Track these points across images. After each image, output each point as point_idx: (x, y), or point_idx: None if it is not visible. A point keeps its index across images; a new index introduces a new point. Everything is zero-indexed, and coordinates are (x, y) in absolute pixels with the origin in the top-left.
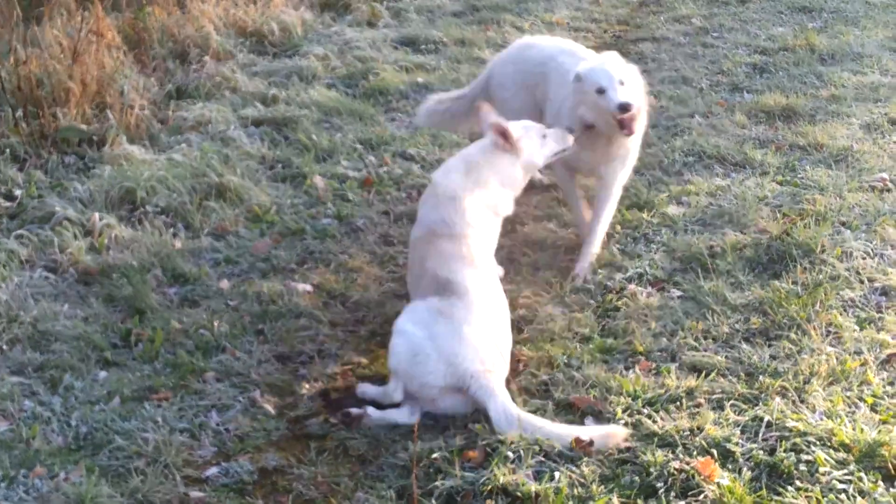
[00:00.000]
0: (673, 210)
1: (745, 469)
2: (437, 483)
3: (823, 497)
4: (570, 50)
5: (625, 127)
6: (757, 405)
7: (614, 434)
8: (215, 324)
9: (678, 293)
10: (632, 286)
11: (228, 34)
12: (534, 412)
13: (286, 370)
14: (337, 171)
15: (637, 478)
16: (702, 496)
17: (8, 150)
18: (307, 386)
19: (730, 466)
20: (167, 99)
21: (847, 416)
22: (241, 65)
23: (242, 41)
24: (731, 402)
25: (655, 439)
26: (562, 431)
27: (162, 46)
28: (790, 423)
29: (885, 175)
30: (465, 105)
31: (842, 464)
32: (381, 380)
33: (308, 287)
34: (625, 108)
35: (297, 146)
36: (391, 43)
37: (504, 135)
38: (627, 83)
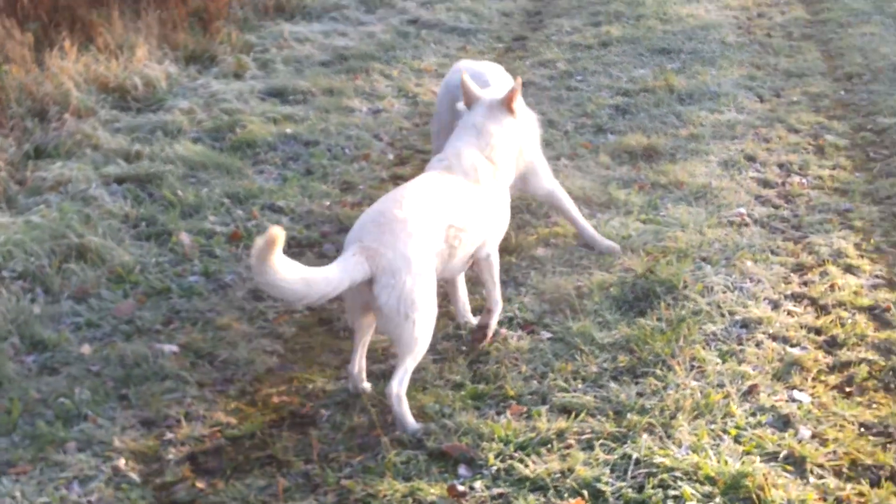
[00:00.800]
0: (541, 252)
1: None
2: None
3: None
4: (479, 73)
5: None
6: (625, 443)
7: None
8: (76, 391)
9: (548, 335)
10: (503, 330)
11: (90, 90)
12: (406, 463)
13: (151, 435)
14: (204, 227)
15: None
16: None
17: None
18: (174, 451)
19: None
20: (25, 159)
21: (712, 448)
22: (102, 121)
23: (104, 97)
24: (601, 441)
25: (527, 483)
26: None
27: (20, 105)
28: (657, 459)
29: (742, 210)
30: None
31: (708, 497)
32: (249, 438)
33: (174, 348)
34: None
35: (162, 203)
36: (258, 94)
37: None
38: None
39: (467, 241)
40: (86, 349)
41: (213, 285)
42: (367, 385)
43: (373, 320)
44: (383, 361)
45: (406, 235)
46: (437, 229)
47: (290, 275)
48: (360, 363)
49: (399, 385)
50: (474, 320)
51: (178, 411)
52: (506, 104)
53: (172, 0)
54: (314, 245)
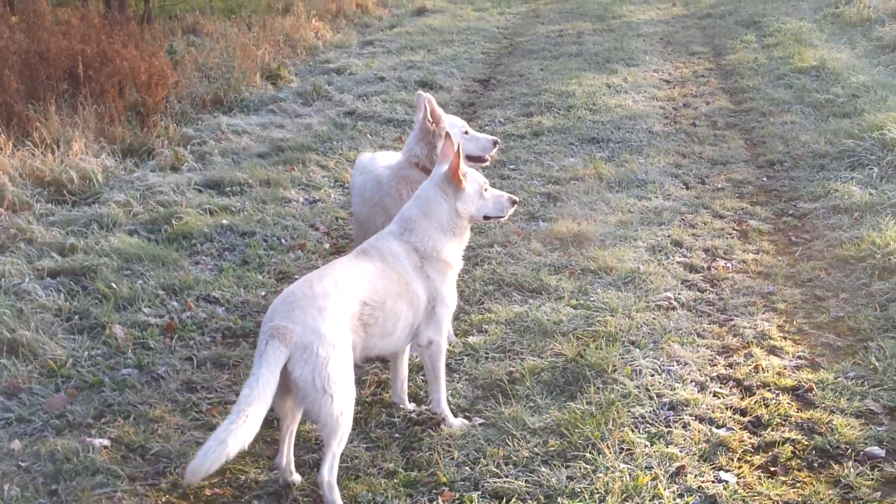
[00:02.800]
0: (474, 339)
1: None
2: None
3: None
4: (365, 168)
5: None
6: None
7: None
8: (5, 488)
9: (480, 420)
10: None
11: (25, 185)
12: None
13: None
14: (138, 319)
15: None
16: None
17: None
18: None
19: None
20: None
21: None
22: (37, 215)
23: (40, 191)
24: None
25: None
26: None
27: None
28: None
29: (669, 294)
30: None
31: None
32: None
33: (105, 442)
34: (496, 143)
35: (97, 296)
36: (195, 186)
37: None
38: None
39: (384, 320)
40: (16, 445)
41: (147, 377)
42: (296, 477)
43: (295, 405)
44: (314, 451)
45: (316, 311)
46: (348, 305)
47: (239, 438)
48: (287, 455)
49: (329, 472)
50: (410, 406)
51: None
52: (451, 177)
53: (110, 94)
54: (249, 335)
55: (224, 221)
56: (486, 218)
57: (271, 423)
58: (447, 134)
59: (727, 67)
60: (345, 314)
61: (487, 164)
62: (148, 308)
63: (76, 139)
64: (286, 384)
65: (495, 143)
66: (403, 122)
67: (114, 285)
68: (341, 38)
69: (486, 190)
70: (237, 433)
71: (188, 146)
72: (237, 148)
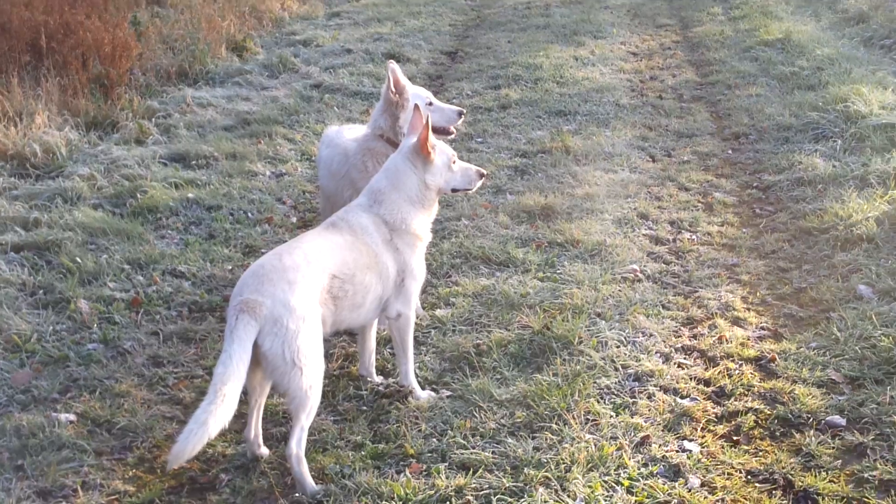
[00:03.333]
0: (441, 312)
1: None
2: None
3: None
4: (332, 141)
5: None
6: (522, 497)
7: None
8: None
9: (448, 393)
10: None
11: None
12: None
13: None
14: (103, 294)
15: None
16: None
17: None
18: None
19: None
20: None
21: (606, 500)
22: (0, 189)
23: (2, 165)
24: (498, 496)
25: None
26: None
27: None
28: None
29: (635, 266)
30: None
31: None
32: None
33: (71, 416)
34: (461, 113)
35: (61, 270)
36: (160, 160)
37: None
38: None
39: (353, 293)
40: None
41: (112, 352)
42: (264, 450)
43: (264, 378)
44: (282, 424)
45: (286, 283)
46: (318, 278)
47: (219, 418)
48: (255, 428)
49: (297, 445)
50: (377, 379)
51: (75, 481)
52: (420, 149)
53: (73, 66)
54: (216, 309)
55: (190, 195)
56: (454, 190)
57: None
58: (416, 106)
59: (694, 40)
60: (315, 287)
61: (453, 136)
62: (113, 282)
63: (39, 112)
64: (256, 357)
65: (461, 113)
66: (371, 94)
67: (78, 259)
68: (308, 9)
69: (454, 162)
70: (217, 413)
71: (153, 119)
72: (203, 121)
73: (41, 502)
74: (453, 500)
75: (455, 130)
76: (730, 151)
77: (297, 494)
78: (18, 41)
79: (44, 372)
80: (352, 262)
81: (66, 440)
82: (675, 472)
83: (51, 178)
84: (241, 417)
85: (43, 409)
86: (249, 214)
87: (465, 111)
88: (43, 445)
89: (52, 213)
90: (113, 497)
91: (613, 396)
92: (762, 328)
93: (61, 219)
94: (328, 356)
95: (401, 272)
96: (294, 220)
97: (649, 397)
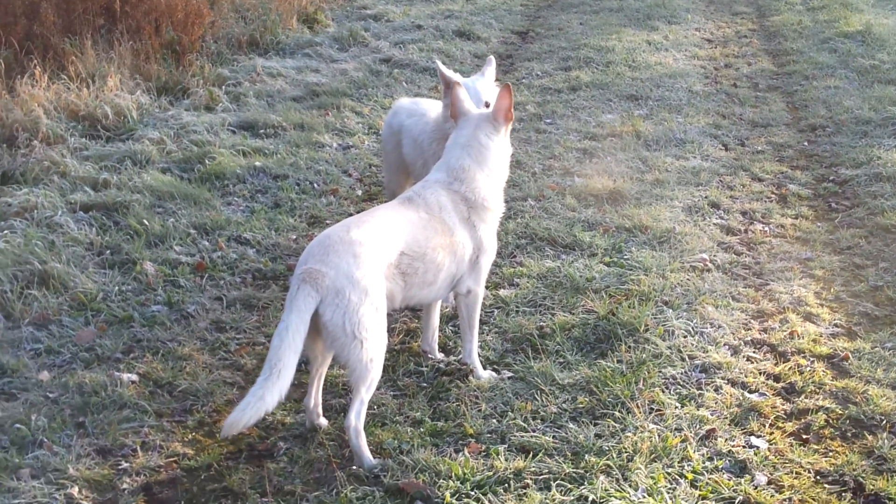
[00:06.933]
0: (504, 292)
1: None
2: None
3: None
4: (416, 111)
5: None
6: (582, 484)
7: None
8: (33, 417)
9: (509, 374)
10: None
11: (59, 118)
12: (362, 499)
13: (106, 464)
14: (169, 257)
15: None
16: None
17: None
18: (128, 480)
19: None
20: None
21: (668, 492)
22: (71, 149)
23: (74, 125)
24: (558, 481)
25: None
26: None
27: None
28: (614, 502)
29: (705, 255)
30: None
31: None
32: (206, 469)
33: (133, 377)
34: None
35: (128, 232)
36: (229, 127)
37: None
38: (492, 105)
39: (424, 271)
40: (44, 376)
41: (176, 315)
42: (323, 421)
43: (325, 349)
44: (343, 396)
45: (351, 256)
46: (386, 254)
47: (275, 392)
48: (315, 397)
49: (356, 418)
50: (439, 356)
51: (135, 441)
52: (496, 117)
53: (146, 31)
54: (279, 278)
55: (257, 163)
56: None
57: (298, 366)
58: (455, 83)
59: (771, 29)
60: (381, 262)
61: None
62: (179, 246)
63: (111, 75)
64: (317, 328)
65: None
66: None
67: (146, 222)
68: None
69: None
70: (273, 388)
71: (223, 87)
72: (272, 90)
73: (100, 460)
74: (512, 482)
75: None
76: (805, 143)
77: (354, 467)
78: (93, 4)
79: (108, 331)
80: (423, 240)
81: (127, 400)
82: (741, 468)
83: (121, 141)
84: (300, 387)
85: (106, 368)
86: (315, 185)
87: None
88: (105, 404)
89: (121, 175)
90: (171, 459)
91: (679, 387)
92: (835, 325)
93: (130, 181)
94: (390, 331)
95: (476, 249)
96: (359, 192)
97: (716, 390)
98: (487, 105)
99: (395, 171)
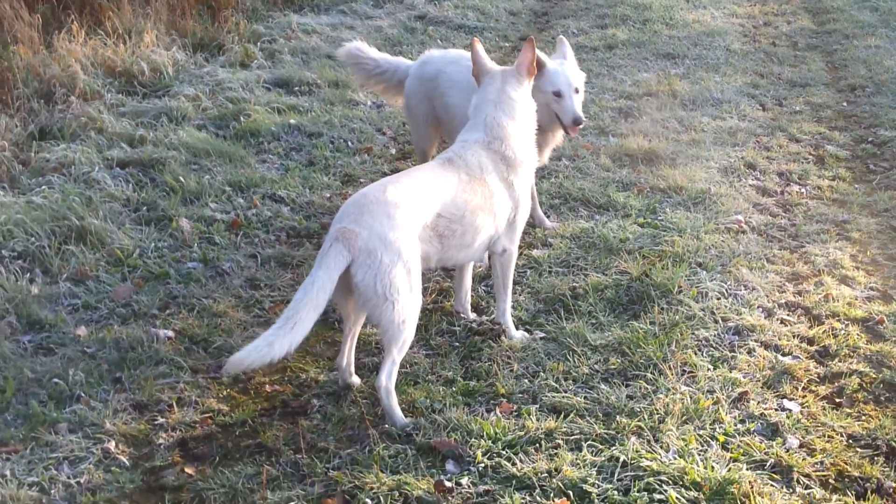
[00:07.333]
0: (538, 252)
1: None
2: None
3: None
4: (456, 58)
5: (568, 131)
6: (613, 445)
7: None
8: (70, 372)
9: (541, 334)
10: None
11: (96, 74)
12: (394, 457)
13: (143, 419)
14: (204, 214)
15: None
16: None
17: None
18: (164, 436)
19: None
20: (30, 140)
21: (699, 454)
22: (108, 105)
23: (111, 81)
24: (589, 442)
25: (514, 482)
26: None
27: (26, 86)
28: (644, 463)
29: (740, 217)
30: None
31: (693, 502)
32: (240, 425)
33: (169, 333)
34: (577, 122)
35: (164, 188)
36: (264, 84)
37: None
38: (581, 91)
39: (462, 233)
40: (82, 331)
41: (211, 272)
42: (355, 379)
43: (357, 308)
44: (376, 354)
45: (385, 217)
46: (422, 216)
47: (284, 342)
48: (348, 356)
49: (388, 378)
50: (472, 315)
51: (171, 396)
52: (520, 71)
53: None
54: (313, 236)
55: (292, 121)
56: None
57: (332, 325)
58: (532, 41)
59: None
60: (416, 224)
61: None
62: (214, 203)
63: (148, 31)
64: (349, 287)
65: (577, 121)
66: (474, 28)
67: (181, 179)
68: None
69: None
70: (284, 338)
71: (258, 43)
72: (307, 47)
73: (137, 415)
74: (543, 442)
75: (570, 134)
76: (844, 104)
77: (386, 425)
78: None
79: (144, 287)
80: (462, 202)
81: (163, 356)
82: (772, 431)
83: (157, 97)
84: (335, 345)
85: (142, 323)
86: (349, 143)
87: (583, 123)
88: (141, 360)
89: (157, 132)
90: (207, 415)
91: (712, 349)
92: (871, 288)
93: (166, 137)
94: (422, 291)
95: (514, 209)
96: (393, 151)
97: (749, 352)
98: (577, 91)
99: (424, 126)
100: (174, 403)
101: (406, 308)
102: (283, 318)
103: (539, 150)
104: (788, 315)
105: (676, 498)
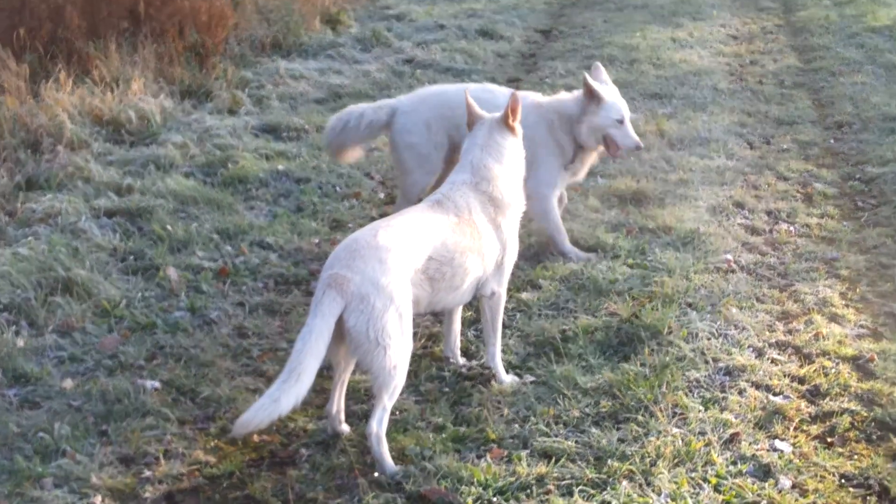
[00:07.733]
0: (527, 295)
1: None
2: None
3: None
4: (484, 87)
5: (612, 152)
6: (605, 490)
7: None
8: (56, 426)
9: (531, 378)
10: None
11: (84, 123)
12: None
13: (129, 473)
14: (192, 262)
15: None
16: None
17: None
18: (151, 489)
19: None
20: (16, 190)
21: (691, 497)
22: (95, 154)
23: (98, 130)
24: (580, 487)
25: None
26: None
27: (13, 136)
28: None
29: (729, 256)
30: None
31: None
32: (228, 477)
33: (156, 384)
34: (639, 147)
35: (151, 237)
36: (252, 130)
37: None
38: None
39: (452, 275)
40: (68, 384)
41: (199, 321)
42: (345, 427)
43: (348, 354)
44: (365, 402)
45: (377, 261)
46: (414, 260)
47: (292, 395)
48: (338, 403)
49: (378, 425)
50: (461, 360)
51: (158, 449)
52: (505, 122)
53: (170, 34)
54: (301, 282)
55: (280, 167)
56: None
57: (320, 372)
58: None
59: (797, 24)
60: (408, 268)
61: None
62: (202, 251)
63: (136, 78)
64: (341, 333)
65: (638, 146)
66: (462, 71)
67: (169, 227)
68: None
69: None
70: (290, 391)
71: (246, 89)
72: (295, 93)
73: (123, 468)
74: (534, 488)
75: (623, 156)
76: (832, 141)
77: (376, 474)
78: (118, 7)
79: (131, 338)
80: (452, 244)
81: (150, 407)
82: (765, 472)
83: (145, 145)
84: (323, 393)
85: (129, 375)
86: (338, 188)
87: (642, 147)
88: (128, 412)
89: (144, 180)
90: (194, 467)
91: (703, 390)
92: (861, 326)
93: (154, 186)
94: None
95: (502, 250)
96: (381, 195)
97: (740, 393)
98: (621, 122)
99: (424, 172)
100: (161, 456)
101: (398, 353)
102: (286, 371)
103: (579, 169)
104: (779, 354)
105: None
